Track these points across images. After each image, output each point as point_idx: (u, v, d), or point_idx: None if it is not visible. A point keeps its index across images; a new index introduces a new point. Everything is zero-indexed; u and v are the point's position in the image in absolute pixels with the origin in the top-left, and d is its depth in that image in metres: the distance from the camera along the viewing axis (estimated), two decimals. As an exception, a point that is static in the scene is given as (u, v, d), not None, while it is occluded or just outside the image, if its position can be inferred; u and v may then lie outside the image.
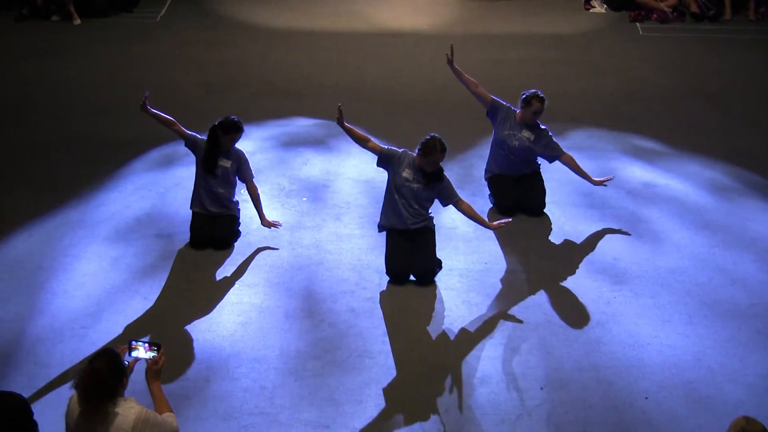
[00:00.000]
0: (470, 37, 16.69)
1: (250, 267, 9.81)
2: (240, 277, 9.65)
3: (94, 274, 9.65)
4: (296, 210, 10.86)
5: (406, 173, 9.43)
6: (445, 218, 10.37)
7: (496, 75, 14.64)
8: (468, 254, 9.98)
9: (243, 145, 10.40)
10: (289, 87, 14.55)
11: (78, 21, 17.52)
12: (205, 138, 9.99)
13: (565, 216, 10.79)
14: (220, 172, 9.97)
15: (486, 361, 8.42)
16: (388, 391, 8.07)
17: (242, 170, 10.11)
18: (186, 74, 15.06)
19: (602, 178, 10.64)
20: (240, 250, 10.09)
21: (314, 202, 11.04)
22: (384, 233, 9.72)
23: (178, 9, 18.42)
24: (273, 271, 9.74)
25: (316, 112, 13.53)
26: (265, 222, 10.22)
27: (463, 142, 12.37)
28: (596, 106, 13.90)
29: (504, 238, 10.29)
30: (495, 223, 9.54)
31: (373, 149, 9.61)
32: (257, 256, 9.99)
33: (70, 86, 14.52)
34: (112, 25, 17.43)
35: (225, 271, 9.73)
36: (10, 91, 14.43)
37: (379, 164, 9.67)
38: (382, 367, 8.35)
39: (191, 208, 10.17)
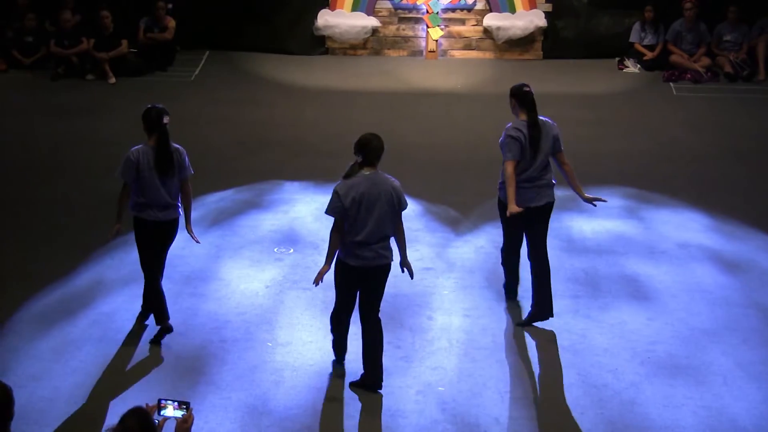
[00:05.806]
0: (503, 96, 16.54)
1: (283, 326, 9.78)
2: (272, 335, 9.62)
3: (120, 330, 9.66)
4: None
5: None
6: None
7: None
8: (494, 313, 9.94)
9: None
10: (323, 146, 14.62)
11: (113, 80, 17.75)
12: (139, 149, 9.20)
13: (599, 275, 10.74)
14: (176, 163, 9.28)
15: (518, 421, 8.35)
16: (420, 452, 8.03)
17: (184, 165, 9.36)
18: (220, 133, 15.17)
19: (593, 196, 9.90)
20: (273, 308, 10.06)
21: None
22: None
23: (212, 68, 18.64)
24: (305, 330, 9.71)
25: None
26: (189, 229, 9.54)
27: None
28: (629, 167, 13.89)
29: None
30: None
31: None
32: (291, 315, 9.98)
33: (105, 145, 14.62)
34: (146, 84, 17.64)
35: (257, 330, 9.70)
36: (46, 150, 14.57)
37: None
38: (415, 426, 8.29)
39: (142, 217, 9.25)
